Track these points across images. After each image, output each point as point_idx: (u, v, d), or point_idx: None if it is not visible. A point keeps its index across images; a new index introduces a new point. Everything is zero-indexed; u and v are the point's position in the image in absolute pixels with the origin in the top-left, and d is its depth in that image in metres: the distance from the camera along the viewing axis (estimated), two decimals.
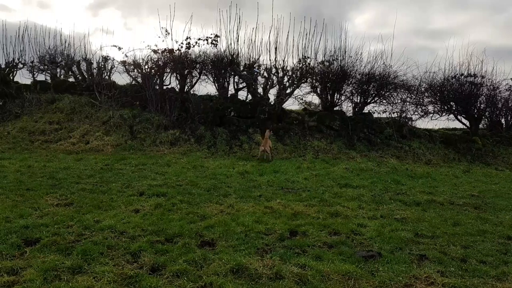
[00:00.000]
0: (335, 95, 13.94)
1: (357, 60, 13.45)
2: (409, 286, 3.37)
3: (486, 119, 15.70)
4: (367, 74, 13.39)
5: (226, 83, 13.66)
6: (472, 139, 13.65)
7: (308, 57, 13.41)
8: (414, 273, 3.57)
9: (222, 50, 13.38)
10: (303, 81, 13.69)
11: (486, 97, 14.57)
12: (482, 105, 14.79)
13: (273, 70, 13.46)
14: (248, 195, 6.43)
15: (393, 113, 14.15)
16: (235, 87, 13.82)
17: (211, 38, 13.38)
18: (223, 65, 13.22)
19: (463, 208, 6.20)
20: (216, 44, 13.46)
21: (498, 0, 40.49)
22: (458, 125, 15.84)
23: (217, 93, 13.65)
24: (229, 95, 13.69)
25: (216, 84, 13.64)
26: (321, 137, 12.37)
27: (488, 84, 14.40)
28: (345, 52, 13.48)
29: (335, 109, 13.92)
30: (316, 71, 13.59)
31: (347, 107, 14.45)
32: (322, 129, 12.76)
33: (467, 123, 14.95)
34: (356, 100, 14.17)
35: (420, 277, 3.50)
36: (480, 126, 15.42)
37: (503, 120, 15.63)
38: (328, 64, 13.52)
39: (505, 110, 15.30)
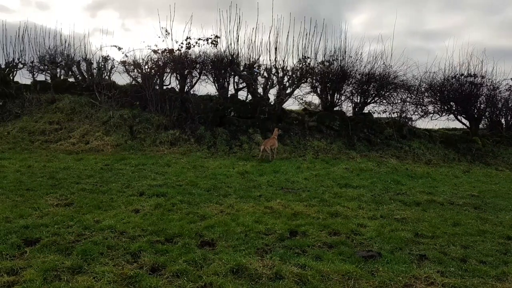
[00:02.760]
0: (335, 95, 13.94)
1: (357, 60, 13.48)
2: (409, 286, 3.37)
3: (486, 119, 15.70)
4: (367, 74, 13.39)
5: (226, 83, 13.67)
6: (472, 139, 13.64)
7: (308, 57, 13.42)
8: (414, 273, 3.57)
9: (222, 50, 13.41)
10: (303, 81, 13.68)
11: (486, 97, 14.57)
12: (482, 105, 14.79)
13: (273, 70, 13.46)
14: (248, 195, 6.43)
15: (393, 113, 14.20)
16: (235, 87, 13.84)
17: (211, 38, 13.42)
18: (223, 65, 13.22)
19: (463, 208, 6.20)
20: (216, 44, 13.49)
21: (493, 1, 40.51)
22: (458, 125, 15.87)
23: (217, 93, 13.66)
24: (229, 95, 13.69)
25: (216, 84, 13.65)
26: (321, 137, 12.37)
27: (488, 84, 14.42)
28: (345, 52, 13.51)
29: (335, 109, 13.92)
30: (316, 71, 13.59)
31: (347, 107, 14.49)
32: (322, 129, 12.76)
33: (467, 123, 14.95)
34: (356, 100, 14.18)
35: (420, 277, 3.50)
36: (480, 126, 15.42)
37: (503, 120, 15.62)
38: (328, 64, 13.52)
39: (505, 110, 15.30)
